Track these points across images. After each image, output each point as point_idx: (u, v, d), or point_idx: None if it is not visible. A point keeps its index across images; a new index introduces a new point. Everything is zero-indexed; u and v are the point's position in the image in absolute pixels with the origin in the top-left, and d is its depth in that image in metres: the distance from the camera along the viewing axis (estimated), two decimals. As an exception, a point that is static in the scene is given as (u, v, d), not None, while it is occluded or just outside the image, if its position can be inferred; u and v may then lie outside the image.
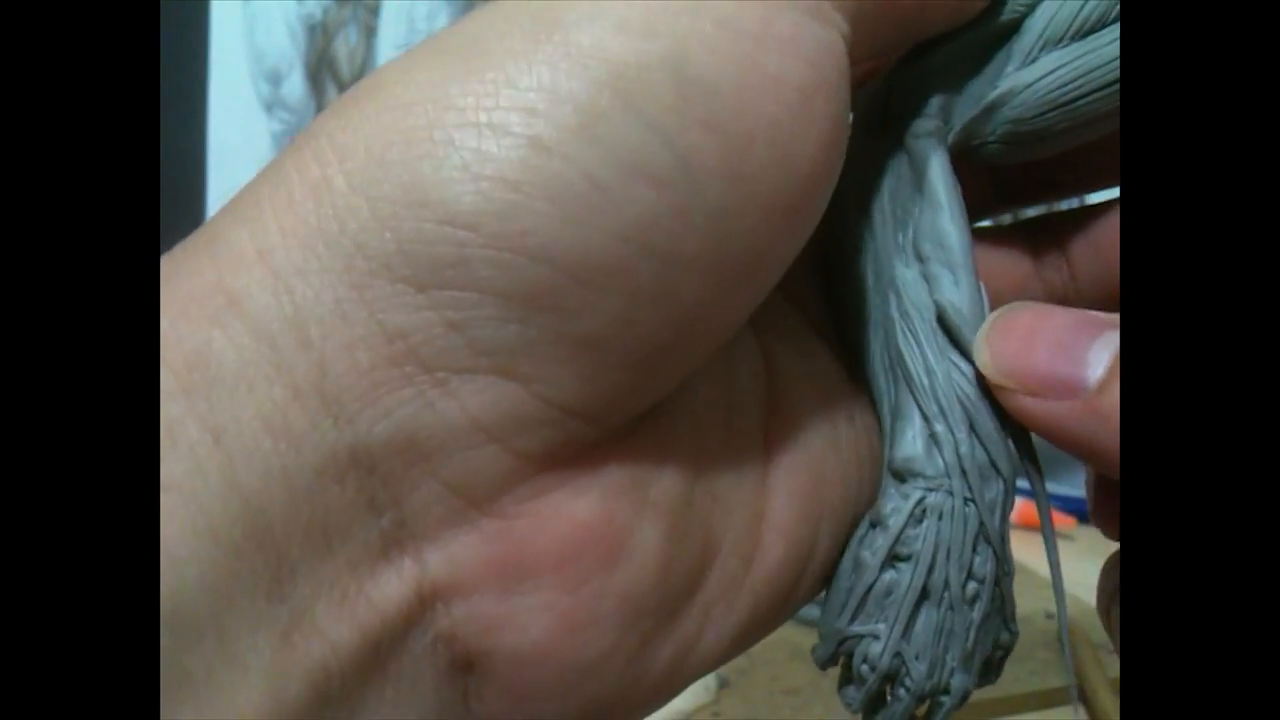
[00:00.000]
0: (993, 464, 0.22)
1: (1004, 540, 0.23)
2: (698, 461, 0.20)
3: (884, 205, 0.23)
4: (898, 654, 0.22)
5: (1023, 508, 0.68)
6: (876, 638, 0.22)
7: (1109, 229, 0.24)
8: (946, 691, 0.22)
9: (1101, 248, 0.24)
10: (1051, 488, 0.69)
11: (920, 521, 0.22)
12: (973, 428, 0.22)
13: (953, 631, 0.22)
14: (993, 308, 0.22)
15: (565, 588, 0.18)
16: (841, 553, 0.23)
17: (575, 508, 0.18)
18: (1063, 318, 0.21)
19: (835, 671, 0.24)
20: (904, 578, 0.22)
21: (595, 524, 0.18)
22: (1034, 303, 0.22)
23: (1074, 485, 0.71)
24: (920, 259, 0.23)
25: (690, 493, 0.20)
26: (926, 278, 0.23)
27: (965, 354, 0.22)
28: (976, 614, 0.22)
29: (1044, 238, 0.25)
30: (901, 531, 0.22)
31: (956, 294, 0.22)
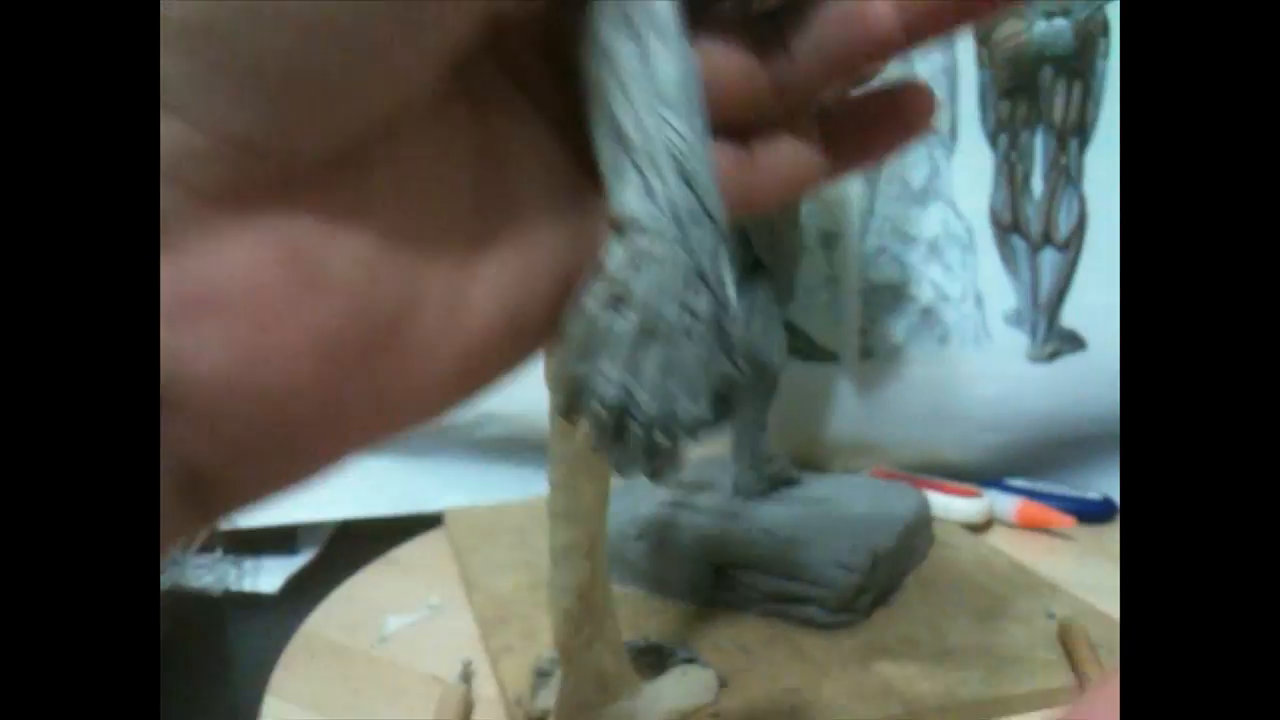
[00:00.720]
0: (705, 210, 0.23)
1: (721, 280, 0.24)
2: (399, 214, 0.21)
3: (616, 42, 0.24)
4: (623, 387, 0.23)
5: (1022, 508, 0.68)
6: (604, 375, 0.23)
7: (826, 20, 0.25)
8: (677, 419, 0.23)
9: (820, 40, 0.25)
10: (1051, 487, 0.70)
11: (638, 268, 0.23)
12: (684, 177, 0.23)
13: (674, 364, 0.23)
14: (712, 85, 0.24)
15: (251, 321, 0.18)
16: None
17: (260, 245, 0.18)
18: None
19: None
20: (625, 319, 0.23)
21: (281, 261, 0.19)
22: None
23: (1074, 485, 0.71)
24: (631, 27, 0.23)
25: (388, 241, 0.20)
26: (638, 44, 0.23)
27: (676, 111, 0.23)
28: (696, 348, 0.24)
29: (768, 27, 0.26)
30: (620, 277, 0.23)
31: (666, 59, 0.23)
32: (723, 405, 0.25)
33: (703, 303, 0.23)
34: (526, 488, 0.71)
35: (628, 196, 0.23)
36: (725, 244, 0.24)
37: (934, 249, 0.72)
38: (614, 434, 0.24)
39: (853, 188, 0.72)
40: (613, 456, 0.24)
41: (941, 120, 0.72)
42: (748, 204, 0.25)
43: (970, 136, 0.71)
